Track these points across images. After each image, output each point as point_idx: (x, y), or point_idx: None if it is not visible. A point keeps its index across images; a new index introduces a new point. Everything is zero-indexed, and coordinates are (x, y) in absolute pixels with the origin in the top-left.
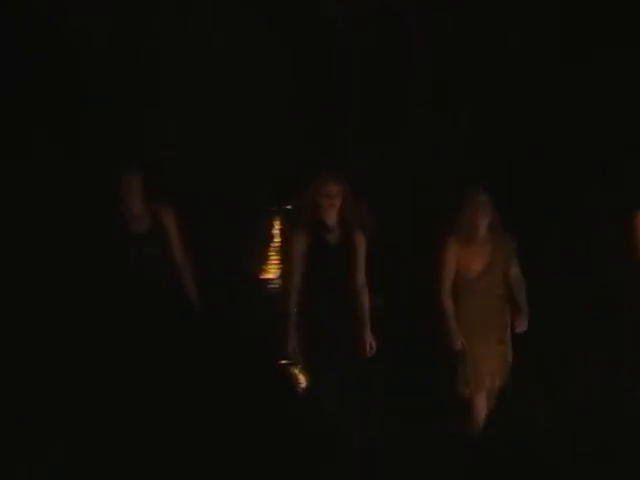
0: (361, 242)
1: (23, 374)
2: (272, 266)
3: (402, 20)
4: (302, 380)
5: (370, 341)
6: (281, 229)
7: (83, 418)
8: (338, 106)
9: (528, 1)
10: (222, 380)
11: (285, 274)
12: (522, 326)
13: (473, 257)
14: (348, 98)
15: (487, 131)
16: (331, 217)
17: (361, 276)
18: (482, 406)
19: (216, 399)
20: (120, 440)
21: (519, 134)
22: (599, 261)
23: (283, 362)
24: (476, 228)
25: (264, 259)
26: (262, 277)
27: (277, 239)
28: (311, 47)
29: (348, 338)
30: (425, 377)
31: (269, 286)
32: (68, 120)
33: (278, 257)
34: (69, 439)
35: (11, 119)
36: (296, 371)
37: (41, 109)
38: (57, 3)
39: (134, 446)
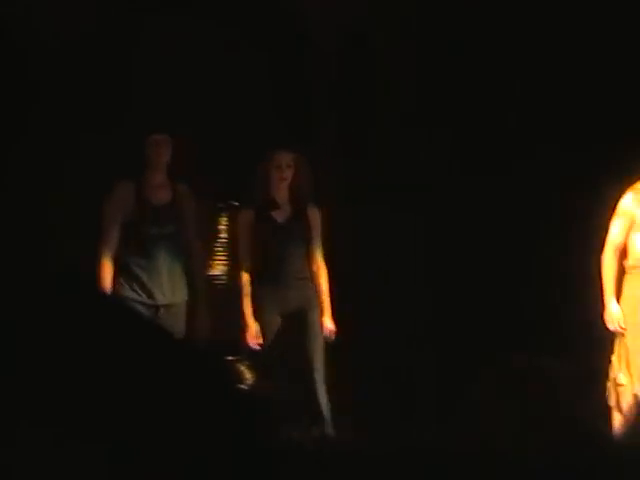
0: (316, 219)
1: None
2: (219, 262)
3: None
4: (249, 377)
5: (330, 328)
6: (228, 225)
7: None
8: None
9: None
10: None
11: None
12: None
13: None
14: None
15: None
16: (281, 192)
17: (317, 257)
18: None
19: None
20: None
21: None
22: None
23: (230, 358)
24: None
25: (211, 255)
26: (209, 274)
27: (224, 235)
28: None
29: (305, 326)
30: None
31: (216, 282)
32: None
33: (225, 253)
34: None
35: None
36: (243, 368)
37: None
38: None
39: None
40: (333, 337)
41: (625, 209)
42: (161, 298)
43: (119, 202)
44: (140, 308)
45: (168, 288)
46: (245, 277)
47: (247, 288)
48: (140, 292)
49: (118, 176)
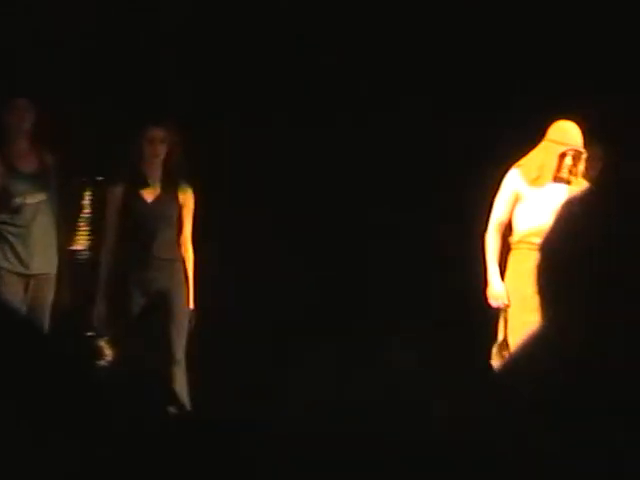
0: (188, 200)
1: None
2: (81, 237)
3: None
4: (108, 353)
5: (192, 312)
6: (92, 200)
7: None
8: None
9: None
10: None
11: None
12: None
13: None
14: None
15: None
16: (154, 170)
17: (186, 239)
18: None
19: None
20: None
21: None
22: None
23: (89, 335)
24: None
25: (74, 230)
26: (71, 248)
27: (87, 210)
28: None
29: (169, 308)
30: None
31: (78, 257)
32: None
33: (89, 228)
34: None
35: None
36: (102, 344)
37: None
38: None
39: None
40: (194, 322)
41: (509, 186)
42: (34, 267)
43: None
44: (12, 277)
45: (41, 258)
46: (109, 255)
47: (110, 266)
48: (13, 260)
49: None
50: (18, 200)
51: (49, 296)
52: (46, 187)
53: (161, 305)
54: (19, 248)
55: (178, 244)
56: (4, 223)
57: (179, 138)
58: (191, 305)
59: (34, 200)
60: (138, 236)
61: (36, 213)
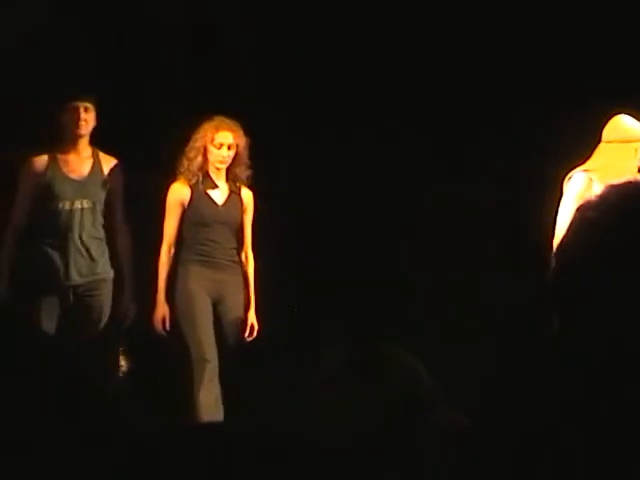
0: (250, 202)
1: None
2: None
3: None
4: (124, 364)
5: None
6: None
7: None
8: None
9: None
10: None
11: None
12: None
13: None
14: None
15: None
16: (221, 173)
17: (246, 244)
18: None
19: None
20: None
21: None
22: None
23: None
24: None
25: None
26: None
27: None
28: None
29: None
30: None
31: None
32: None
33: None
34: None
35: None
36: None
37: None
38: None
39: None
40: (255, 333)
41: (583, 192)
42: (75, 278)
43: (33, 175)
44: (52, 286)
45: (84, 266)
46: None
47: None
48: (52, 269)
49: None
50: (61, 205)
51: (98, 305)
52: (94, 193)
53: (220, 310)
54: (59, 256)
55: (239, 249)
56: (45, 228)
57: (246, 143)
58: (252, 314)
59: (79, 206)
60: (203, 239)
61: (81, 219)
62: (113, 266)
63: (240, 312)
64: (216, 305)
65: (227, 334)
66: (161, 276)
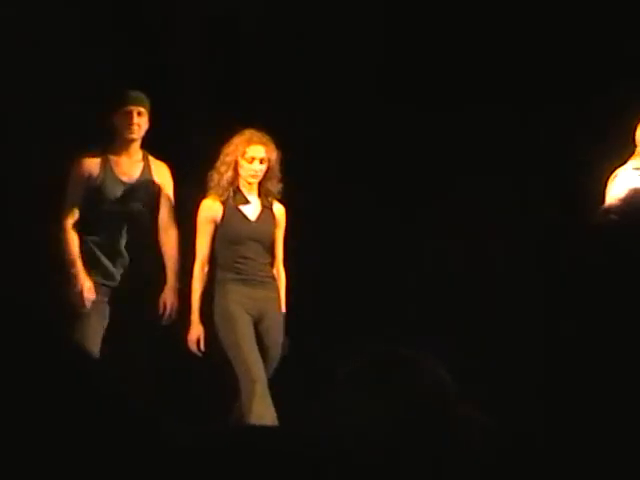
0: (282, 217)
1: None
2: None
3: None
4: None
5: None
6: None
7: None
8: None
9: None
10: None
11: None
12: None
13: None
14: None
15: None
16: (252, 188)
17: (278, 260)
18: None
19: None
20: None
21: None
22: None
23: None
24: None
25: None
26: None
27: None
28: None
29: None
30: None
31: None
32: None
33: None
34: None
35: None
36: None
37: None
38: None
39: None
40: (287, 350)
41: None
42: (121, 280)
43: (83, 178)
44: (99, 289)
45: (129, 268)
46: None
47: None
48: (99, 271)
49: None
50: (111, 206)
51: (139, 309)
52: (144, 196)
53: (261, 328)
54: (105, 258)
55: (271, 264)
56: (94, 229)
57: (277, 156)
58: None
59: (127, 209)
60: (237, 257)
61: (130, 221)
62: (159, 267)
63: (281, 329)
64: (257, 324)
65: (269, 353)
66: (194, 296)
